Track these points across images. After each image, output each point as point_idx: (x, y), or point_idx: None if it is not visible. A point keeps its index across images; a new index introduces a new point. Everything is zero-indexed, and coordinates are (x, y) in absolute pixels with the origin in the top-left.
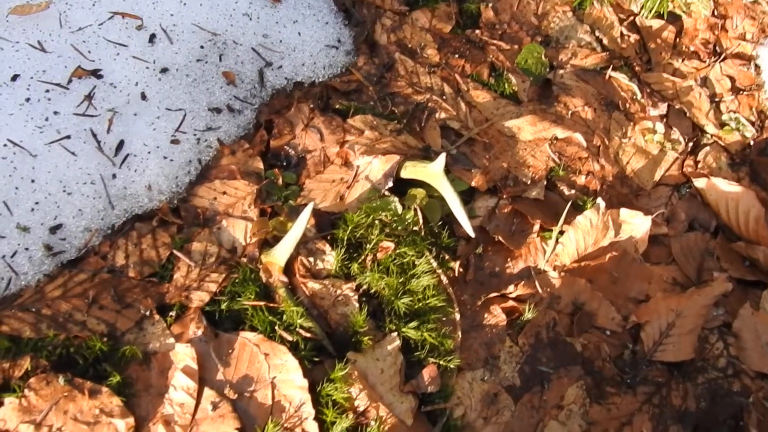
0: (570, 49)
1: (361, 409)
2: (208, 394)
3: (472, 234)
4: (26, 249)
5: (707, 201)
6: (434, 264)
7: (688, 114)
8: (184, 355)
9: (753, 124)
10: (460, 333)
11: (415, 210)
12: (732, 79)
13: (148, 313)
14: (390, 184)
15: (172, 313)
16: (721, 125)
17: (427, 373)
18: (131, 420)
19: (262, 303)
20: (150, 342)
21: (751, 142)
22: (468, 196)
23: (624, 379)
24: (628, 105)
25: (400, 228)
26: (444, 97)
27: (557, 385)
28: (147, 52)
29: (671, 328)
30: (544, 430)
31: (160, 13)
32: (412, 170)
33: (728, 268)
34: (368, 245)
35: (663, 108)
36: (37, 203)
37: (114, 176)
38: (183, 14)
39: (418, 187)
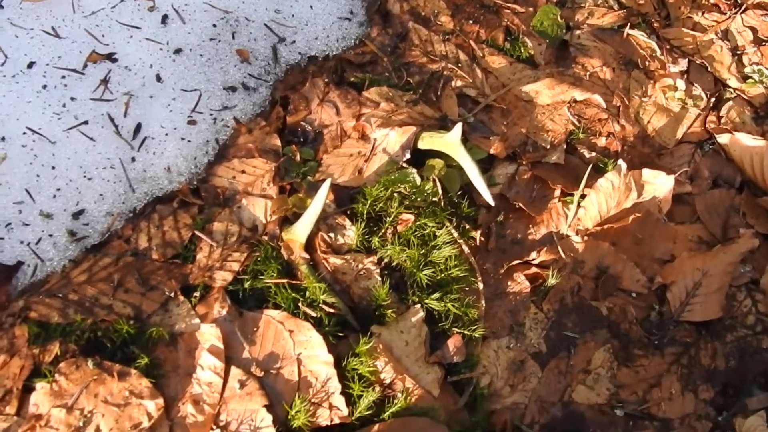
0: (586, 8)
1: (387, 381)
2: (235, 372)
3: (491, 202)
4: (50, 235)
5: (731, 157)
6: (455, 234)
7: (709, 69)
8: (209, 335)
9: None
10: (483, 302)
11: (434, 181)
12: (754, 30)
13: (172, 294)
14: (407, 155)
15: (197, 294)
16: (744, 78)
17: (452, 343)
18: (161, 401)
19: (284, 280)
20: (176, 323)
21: None
22: (487, 164)
23: (651, 341)
24: (647, 63)
25: (419, 199)
26: (459, 65)
27: (584, 350)
28: (160, 33)
29: (698, 287)
30: (571, 395)
31: None
32: (429, 141)
33: (754, 224)
34: (388, 218)
35: (683, 64)
36: (58, 190)
37: (133, 159)
38: None
39: (436, 157)
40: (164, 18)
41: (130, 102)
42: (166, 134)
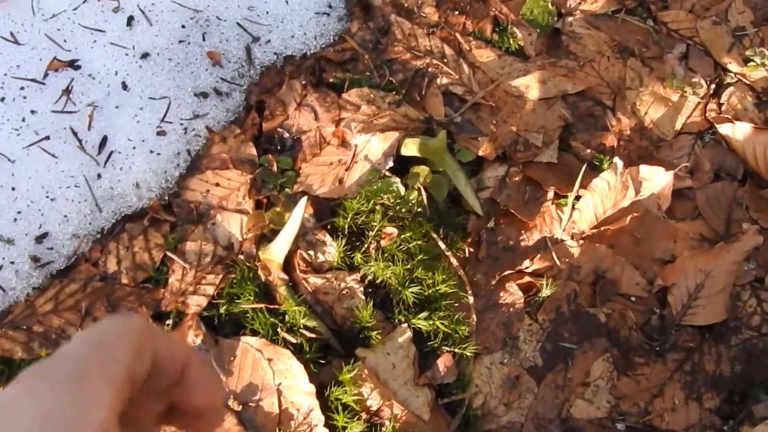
0: None
1: (374, 408)
2: None
3: (481, 213)
4: (12, 263)
5: (733, 147)
6: (443, 246)
7: (708, 53)
8: None
9: None
10: (474, 316)
11: (419, 190)
12: (754, 9)
13: None
14: (390, 163)
15: (170, 321)
16: (745, 62)
17: (443, 362)
18: None
19: (262, 305)
20: None
21: None
22: (476, 166)
23: (653, 347)
24: (644, 50)
25: (404, 210)
26: (445, 60)
27: (582, 361)
28: (125, 36)
29: (700, 289)
30: (570, 410)
31: None
32: (412, 147)
33: (759, 218)
34: (371, 232)
35: (682, 49)
36: (19, 212)
37: (99, 176)
38: None
39: (421, 163)
40: (130, 20)
41: (95, 113)
42: (134, 147)
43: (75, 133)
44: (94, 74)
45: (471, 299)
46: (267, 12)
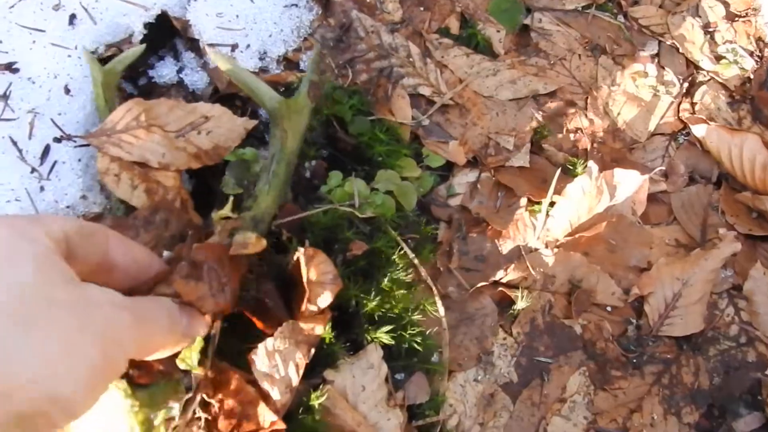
0: None
1: None
2: None
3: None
4: None
5: (707, 148)
6: (413, 258)
7: (680, 50)
8: None
9: (752, 54)
10: (447, 331)
11: (386, 198)
12: (726, 4)
13: None
14: None
15: None
16: (717, 59)
17: (415, 381)
18: None
19: None
20: None
21: (751, 76)
22: (446, 171)
23: (630, 360)
24: (615, 47)
25: (370, 214)
26: (410, 59)
27: (558, 375)
28: (67, 36)
29: (677, 298)
30: (546, 428)
31: None
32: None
33: (734, 222)
34: (336, 245)
35: (653, 46)
36: None
37: (42, 189)
38: None
39: (387, 168)
40: (72, 18)
41: (36, 120)
42: (79, 159)
43: (14, 143)
44: (34, 78)
45: (442, 311)
46: (237, 15)
